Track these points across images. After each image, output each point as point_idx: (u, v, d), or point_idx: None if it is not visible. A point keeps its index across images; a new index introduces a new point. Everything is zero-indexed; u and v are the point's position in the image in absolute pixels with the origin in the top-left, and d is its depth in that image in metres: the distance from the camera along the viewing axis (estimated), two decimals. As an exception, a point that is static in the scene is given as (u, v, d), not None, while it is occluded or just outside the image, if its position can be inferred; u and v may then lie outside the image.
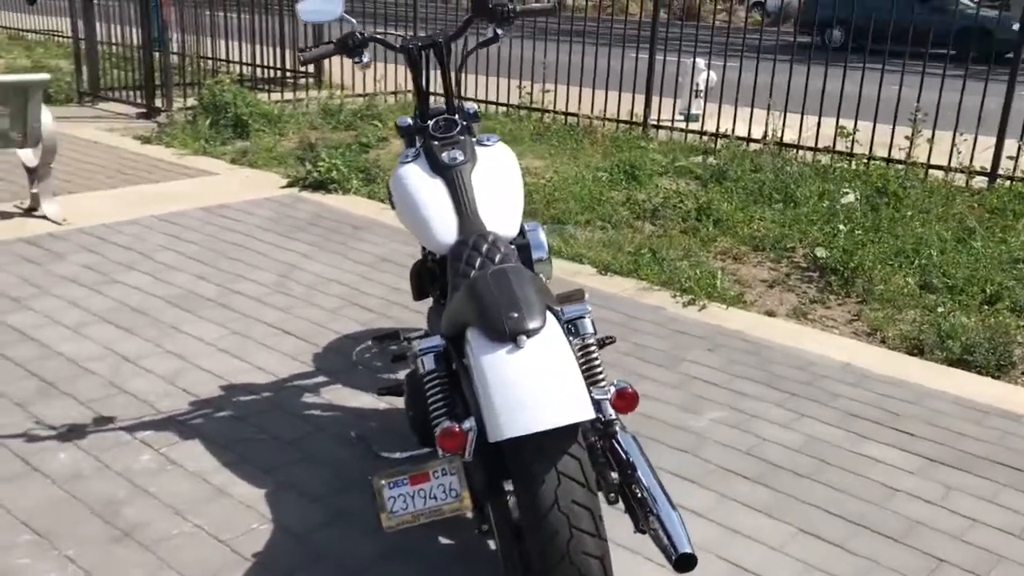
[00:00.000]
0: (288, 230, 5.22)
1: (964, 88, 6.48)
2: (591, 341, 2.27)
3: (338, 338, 3.81)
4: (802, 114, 7.13)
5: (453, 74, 2.83)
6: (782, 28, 9.69)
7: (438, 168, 2.61)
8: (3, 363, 3.43)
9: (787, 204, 5.90)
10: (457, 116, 2.75)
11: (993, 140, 6.62)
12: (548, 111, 8.60)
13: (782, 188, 6.14)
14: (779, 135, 7.24)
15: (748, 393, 3.49)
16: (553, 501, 1.82)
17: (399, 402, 2.93)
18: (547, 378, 1.91)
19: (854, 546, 2.59)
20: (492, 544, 2.31)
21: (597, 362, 2.25)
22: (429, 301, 2.96)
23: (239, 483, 2.75)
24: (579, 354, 2.21)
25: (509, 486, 2.00)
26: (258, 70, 9.82)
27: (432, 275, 2.82)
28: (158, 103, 8.31)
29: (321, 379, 3.45)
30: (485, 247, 2.37)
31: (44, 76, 5.11)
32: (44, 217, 5.17)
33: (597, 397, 2.07)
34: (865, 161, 6.84)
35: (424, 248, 2.87)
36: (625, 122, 8.21)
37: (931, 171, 6.68)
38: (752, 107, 7.40)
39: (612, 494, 2.08)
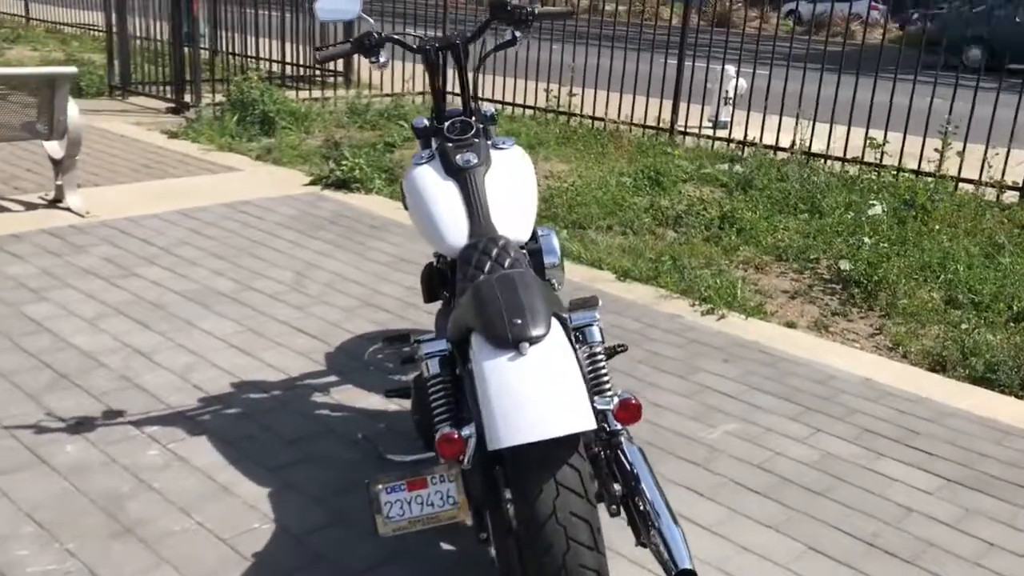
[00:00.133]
0: (308, 228, 5.22)
1: (997, 100, 6.36)
2: (598, 350, 2.24)
3: (352, 338, 3.79)
4: (831, 123, 7.04)
5: (470, 76, 2.81)
6: (815, 36, 9.58)
7: (451, 170, 2.58)
8: (18, 353, 3.45)
9: (812, 214, 5.82)
10: (473, 118, 2.72)
11: (1025, 154, 6.51)
12: (575, 115, 8.57)
13: (808, 198, 6.06)
14: (807, 144, 7.16)
15: (763, 406, 3.43)
16: (551, 512, 1.79)
17: (408, 404, 2.91)
18: (548, 387, 1.87)
19: (864, 566, 2.53)
20: (492, 552, 2.28)
21: (604, 371, 2.21)
22: (440, 304, 2.94)
23: (243, 481, 2.75)
24: (586, 363, 2.18)
25: (509, 495, 1.97)
26: (288, 67, 9.87)
27: (443, 278, 2.80)
28: (187, 98, 8.36)
29: (332, 379, 3.43)
30: (495, 251, 2.34)
31: (71, 69, 5.12)
32: (68, 209, 5.20)
33: (600, 407, 2.03)
34: (894, 173, 6.74)
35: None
36: (652, 128, 8.17)
37: (961, 184, 6.57)
38: (781, 115, 7.33)
39: (614, 506, 2.05)
